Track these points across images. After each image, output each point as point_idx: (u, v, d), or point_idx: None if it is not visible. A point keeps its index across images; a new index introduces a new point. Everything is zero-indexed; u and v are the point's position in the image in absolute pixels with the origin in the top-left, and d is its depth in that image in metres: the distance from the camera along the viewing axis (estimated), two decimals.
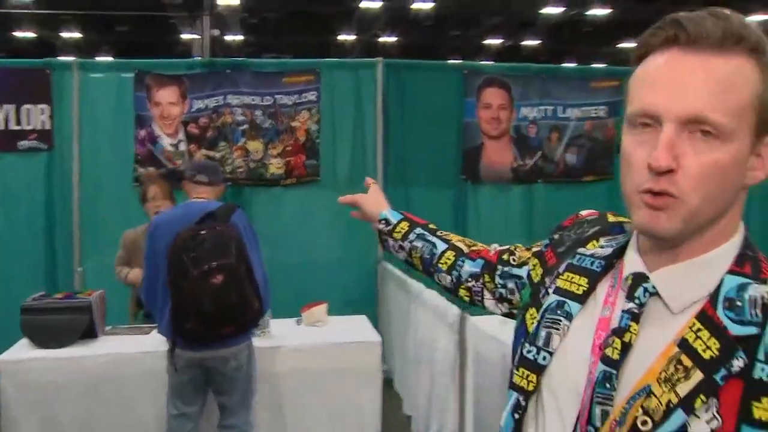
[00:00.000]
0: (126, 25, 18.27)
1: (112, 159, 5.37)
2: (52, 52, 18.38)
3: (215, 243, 3.07)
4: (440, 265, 1.42)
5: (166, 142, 5.39)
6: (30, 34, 17.99)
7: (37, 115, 5.24)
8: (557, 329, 1.01)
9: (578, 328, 0.99)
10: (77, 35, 18.49)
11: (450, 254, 1.42)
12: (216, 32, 17.13)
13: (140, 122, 5.37)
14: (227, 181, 4.89)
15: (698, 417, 0.82)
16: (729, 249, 0.91)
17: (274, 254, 4.52)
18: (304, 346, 3.87)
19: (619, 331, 0.91)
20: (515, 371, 1.04)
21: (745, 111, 0.84)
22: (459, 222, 5.77)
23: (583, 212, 1.19)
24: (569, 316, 1.01)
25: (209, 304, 3.02)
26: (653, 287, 0.91)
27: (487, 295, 1.36)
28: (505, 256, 1.33)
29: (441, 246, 1.44)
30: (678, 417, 0.83)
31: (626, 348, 0.90)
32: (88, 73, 5.36)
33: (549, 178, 5.90)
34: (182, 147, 5.40)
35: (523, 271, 1.25)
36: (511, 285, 1.29)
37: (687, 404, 0.83)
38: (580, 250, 1.08)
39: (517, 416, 1.02)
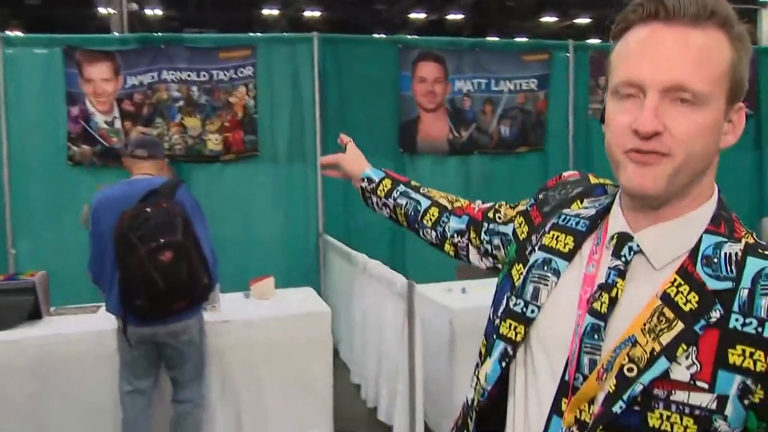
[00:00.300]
0: None
1: (44, 138, 5.23)
2: None
3: (161, 220, 3.06)
4: (425, 222, 1.48)
5: (100, 119, 5.27)
6: None
7: None
8: (545, 284, 1.07)
9: (565, 284, 1.06)
10: None
11: (434, 210, 1.47)
12: (134, 6, 16.59)
13: (72, 99, 5.23)
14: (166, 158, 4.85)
15: (679, 363, 0.90)
16: (706, 210, 0.98)
17: (215, 230, 4.46)
18: (255, 319, 3.89)
19: (607, 287, 0.98)
20: (502, 323, 1.10)
21: (719, 79, 0.91)
22: None
23: (566, 173, 1.26)
24: (557, 273, 1.07)
25: (159, 281, 3.01)
26: (637, 246, 0.98)
27: (472, 250, 1.42)
28: (490, 214, 1.38)
29: (425, 203, 1.49)
30: (661, 363, 0.91)
31: (613, 302, 0.97)
32: (12, 48, 5.17)
33: (484, 150, 6.06)
34: (117, 124, 5.30)
35: (508, 229, 1.30)
36: (497, 241, 1.34)
37: (669, 352, 0.91)
38: (565, 210, 1.14)
39: (504, 364, 1.09)
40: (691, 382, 0.90)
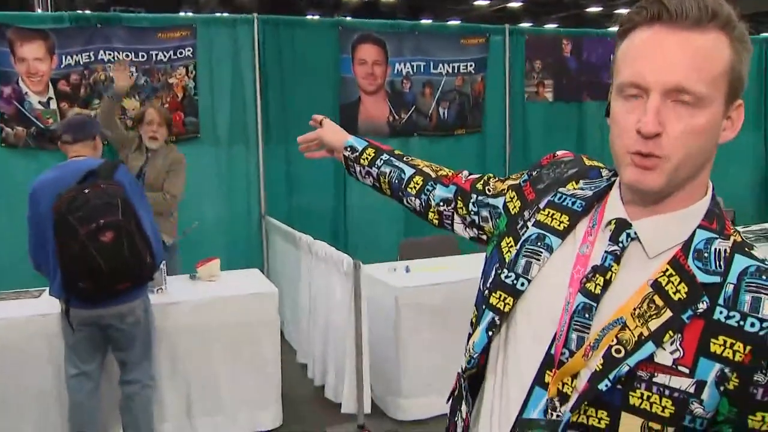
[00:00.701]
0: None
1: None
2: None
3: (101, 201, 3.03)
4: (409, 190, 1.50)
5: (34, 100, 5.14)
6: None
7: None
8: (537, 259, 1.12)
9: (557, 261, 1.11)
10: None
11: (418, 179, 1.49)
12: None
13: (4, 79, 5.08)
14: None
15: (664, 349, 0.97)
16: (701, 206, 1.04)
17: None
18: (203, 300, 3.90)
19: (602, 269, 1.03)
20: (492, 294, 1.14)
21: (719, 80, 0.96)
22: (339, 177, 5.92)
23: (559, 152, 1.28)
24: (549, 249, 1.12)
25: (101, 262, 2.99)
26: (635, 233, 1.04)
27: (457, 219, 1.43)
28: (479, 185, 1.40)
29: (409, 171, 1.51)
30: (648, 347, 0.97)
31: (606, 285, 1.02)
32: None
33: (424, 132, 6.16)
34: (53, 105, 5.18)
35: (498, 201, 1.33)
36: (485, 213, 1.37)
37: (656, 337, 0.97)
38: (561, 189, 1.17)
39: (491, 333, 1.14)
40: (674, 366, 0.96)
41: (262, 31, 5.63)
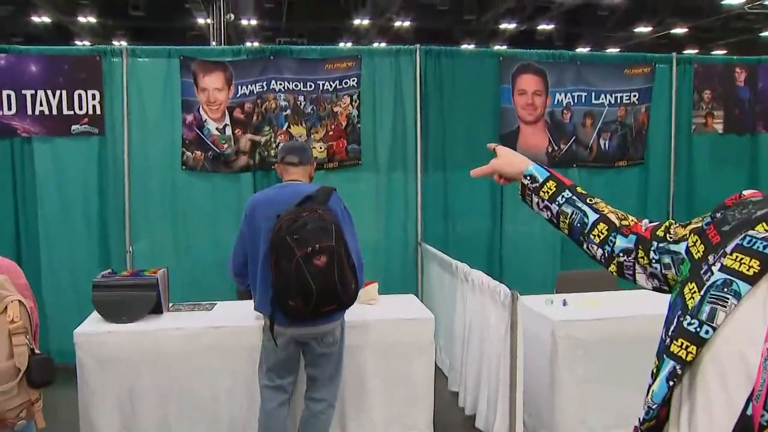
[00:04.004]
0: (141, 10, 18.32)
1: (161, 142, 5.52)
2: (69, 37, 18.50)
3: (317, 226, 3.16)
4: (592, 236, 1.46)
5: (212, 126, 5.54)
6: (46, 20, 18.03)
7: (88, 101, 5.39)
8: (723, 306, 1.04)
9: (748, 308, 1.03)
10: (93, 20, 18.53)
11: (602, 227, 1.44)
12: (230, 17, 17.17)
13: (187, 107, 5.51)
14: (272, 165, 5.06)
15: None
16: None
17: None
18: (364, 322, 4.02)
19: None
20: (673, 341, 1.09)
21: None
22: (496, 206, 5.93)
23: (746, 192, 1.20)
24: (737, 295, 1.04)
25: (313, 284, 3.11)
26: None
27: (638, 269, 1.39)
28: (659, 233, 1.35)
29: (592, 216, 1.46)
30: None
31: None
32: (136, 58, 5.49)
33: (583, 163, 6.04)
34: (228, 131, 5.55)
35: (680, 247, 1.27)
36: (666, 260, 1.31)
37: None
38: (750, 232, 1.09)
39: (671, 383, 1.09)
40: None
41: (423, 62, 5.76)
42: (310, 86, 5.63)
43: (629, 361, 3.41)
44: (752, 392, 0.96)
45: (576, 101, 5.99)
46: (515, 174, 1.60)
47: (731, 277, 1.07)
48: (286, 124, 5.62)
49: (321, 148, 5.65)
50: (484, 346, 4.18)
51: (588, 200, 1.51)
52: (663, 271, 1.34)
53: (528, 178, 1.57)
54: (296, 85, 5.60)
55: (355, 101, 5.68)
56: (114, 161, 5.45)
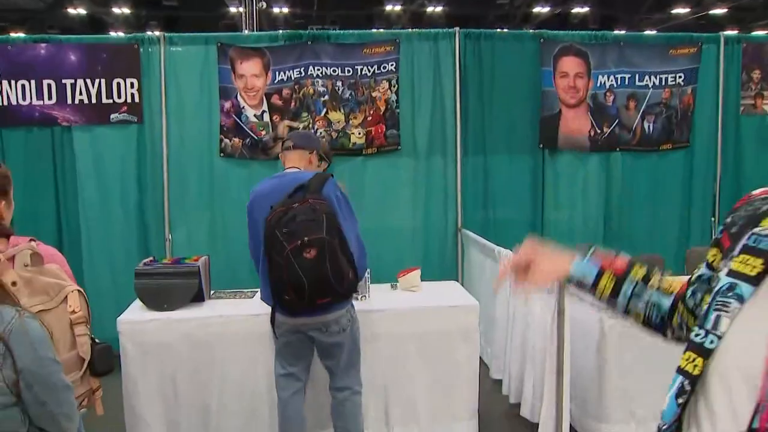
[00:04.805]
0: (174, 0, 18.41)
1: (199, 130, 5.50)
2: (102, 28, 18.66)
3: (306, 218, 3.09)
4: (673, 323, 1.33)
5: (250, 113, 5.50)
6: (82, 11, 18.21)
7: (126, 89, 5.39)
8: (727, 311, 0.99)
9: (751, 311, 0.97)
10: (127, 11, 18.67)
11: (681, 307, 1.31)
12: (262, 5, 17.16)
13: (224, 94, 5.48)
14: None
15: None
16: None
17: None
18: (405, 310, 3.97)
19: None
20: (683, 355, 1.03)
21: None
22: (537, 191, 5.82)
23: (755, 191, 1.13)
24: (740, 299, 0.98)
25: (303, 278, 3.06)
26: None
27: (690, 320, 1.28)
28: (693, 277, 1.25)
29: (666, 302, 1.33)
30: None
31: None
32: (173, 47, 5.47)
33: (626, 147, 5.88)
34: (266, 118, 5.51)
35: (705, 270, 1.20)
36: (699, 294, 1.22)
37: None
38: (756, 229, 1.03)
39: (680, 401, 1.01)
40: None
41: (462, 45, 5.65)
42: (348, 71, 5.57)
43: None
44: (758, 404, 0.90)
45: (619, 83, 5.84)
46: (553, 277, 1.41)
47: (735, 281, 1.01)
48: (324, 109, 5.57)
49: (359, 133, 5.58)
50: (528, 333, 4.10)
51: (651, 285, 1.35)
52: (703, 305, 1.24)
53: (575, 284, 1.39)
54: (334, 71, 5.54)
55: (394, 86, 5.60)
56: (152, 149, 5.45)
